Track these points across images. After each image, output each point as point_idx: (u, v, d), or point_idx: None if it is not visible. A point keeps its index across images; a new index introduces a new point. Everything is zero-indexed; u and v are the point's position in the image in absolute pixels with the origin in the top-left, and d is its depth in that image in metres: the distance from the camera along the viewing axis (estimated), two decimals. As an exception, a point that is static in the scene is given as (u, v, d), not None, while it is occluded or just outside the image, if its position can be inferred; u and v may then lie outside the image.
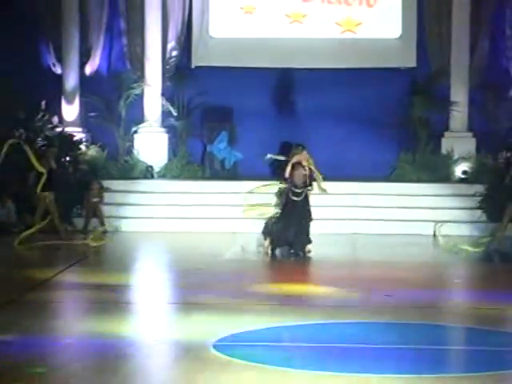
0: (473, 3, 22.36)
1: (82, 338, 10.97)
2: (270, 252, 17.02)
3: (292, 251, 17.02)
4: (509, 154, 18.70)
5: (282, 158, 18.22)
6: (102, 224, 19.55)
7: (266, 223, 17.48)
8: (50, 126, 21.83)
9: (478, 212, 19.90)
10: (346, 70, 22.71)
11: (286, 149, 18.71)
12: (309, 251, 16.88)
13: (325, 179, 17.62)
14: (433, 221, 19.52)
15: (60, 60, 22.80)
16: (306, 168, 17.06)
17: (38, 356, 10.07)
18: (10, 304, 12.87)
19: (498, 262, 17.30)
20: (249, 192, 18.72)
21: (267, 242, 17.13)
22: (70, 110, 22.74)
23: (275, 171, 19.37)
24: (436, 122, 22.53)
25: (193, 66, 23.29)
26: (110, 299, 13.30)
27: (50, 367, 9.67)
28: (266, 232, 17.31)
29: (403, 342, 10.76)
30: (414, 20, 22.91)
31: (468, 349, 11.21)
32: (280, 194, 17.71)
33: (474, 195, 20.17)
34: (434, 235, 18.83)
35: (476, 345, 11.11)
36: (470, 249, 17.40)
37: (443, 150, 22.28)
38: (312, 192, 17.18)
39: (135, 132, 22.64)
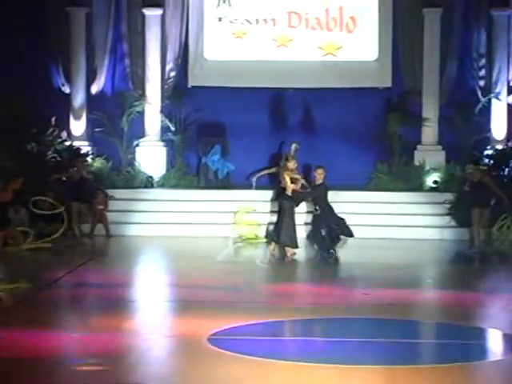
0: (442, 30, 22.42)
1: (90, 332, 11.00)
2: (275, 255, 16.96)
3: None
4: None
5: (266, 171, 18.21)
6: (107, 229, 19.54)
7: (267, 229, 17.38)
8: (59, 140, 21.79)
9: (448, 218, 19.95)
10: (328, 90, 22.70)
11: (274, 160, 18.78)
12: (294, 254, 16.89)
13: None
14: (409, 226, 19.62)
15: (68, 80, 22.82)
16: (299, 178, 17.06)
17: (52, 348, 10.12)
18: (26, 301, 12.92)
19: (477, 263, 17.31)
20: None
21: (272, 246, 17.10)
22: (78, 126, 22.75)
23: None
24: (409, 136, 22.52)
25: (189, 86, 23.29)
26: (114, 297, 13.36)
27: (62, 358, 9.73)
28: (270, 237, 17.20)
29: (380, 335, 10.77)
30: (390, 44, 22.95)
31: (438, 342, 11.26)
32: (276, 199, 17.60)
33: (443, 202, 20.23)
34: None
35: (446, 338, 11.15)
36: None
37: (416, 162, 22.29)
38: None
39: (137, 145, 22.64)
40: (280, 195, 17.38)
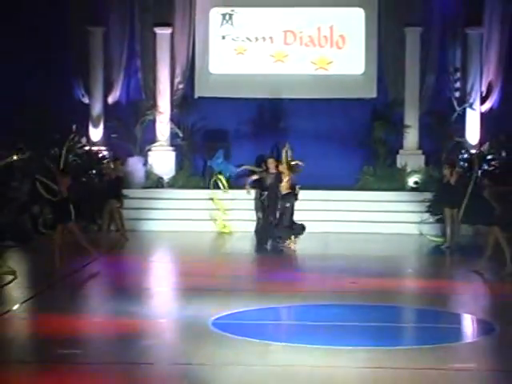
0: (422, 46, 22.42)
1: (107, 316, 11.06)
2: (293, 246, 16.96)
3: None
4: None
5: (257, 169, 18.16)
6: (122, 226, 19.40)
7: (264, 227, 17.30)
8: (79, 145, 21.79)
9: (427, 215, 19.96)
10: (320, 100, 22.69)
11: (260, 160, 18.72)
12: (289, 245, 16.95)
13: (301, 188, 17.63)
14: (393, 222, 19.63)
15: (88, 92, 22.83)
16: (285, 175, 17.04)
17: (75, 330, 10.18)
18: (50, 288, 12.97)
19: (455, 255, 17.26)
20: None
21: (289, 240, 17.04)
22: (96, 132, 22.76)
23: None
24: (392, 141, 22.50)
25: (195, 97, 23.27)
26: (129, 284, 13.39)
27: (80, 343, 9.79)
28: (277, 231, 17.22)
29: (366, 320, 10.84)
30: (375, 59, 22.93)
31: (419, 326, 11.33)
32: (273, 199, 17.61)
33: (423, 201, 20.21)
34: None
35: (425, 322, 11.21)
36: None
37: (398, 165, 22.26)
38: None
39: (149, 150, 22.63)
40: (282, 195, 17.26)
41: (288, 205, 17.04)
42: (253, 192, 18.23)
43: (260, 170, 17.98)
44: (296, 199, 17.21)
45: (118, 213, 19.18)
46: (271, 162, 17.31)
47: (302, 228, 17.18)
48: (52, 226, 18.98)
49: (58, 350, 9.17)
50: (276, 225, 17.02)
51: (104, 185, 19.37)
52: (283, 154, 17.27)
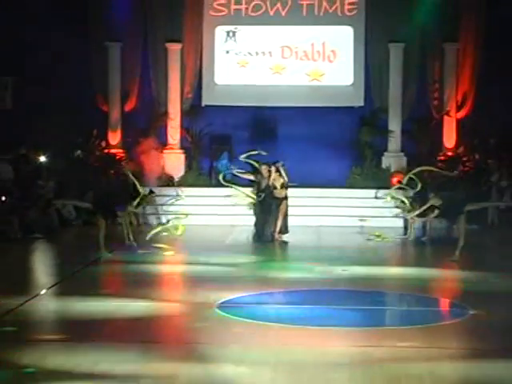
0: (404, 60, 22.45)
1: (125, 300, 11.08)
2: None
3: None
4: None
5: (250, 176, 18.02)
6: (138, 220, 19.16)
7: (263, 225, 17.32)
8: (99, 148, 21.88)
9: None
10: (313, 108, 22.72)
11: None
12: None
13: (297, 186, 17.63)
14: (378, 216, 19.59)
15: (107, 101, 22.84)
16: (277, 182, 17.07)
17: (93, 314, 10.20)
18: (73, 275, 12.99)
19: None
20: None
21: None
22: (114, 137, 22.75)
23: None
24: (378, 145, 22.52)
25: (203, 105, 23.26)
26: (142, 272, 13.39)
27: (100, 323, 9.81)
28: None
29: (355, 303, 10.90)
30: (362, 71, 22.93)
31: (402, 309, 11.35)
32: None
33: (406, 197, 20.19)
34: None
35: (407, 306, 11.26)
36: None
37: (383, 165, 22.30)
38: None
39: (161, 152, 22.66)
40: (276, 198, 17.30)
41: (282, 206, 17.08)
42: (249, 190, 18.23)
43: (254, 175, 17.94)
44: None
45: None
46: (264, 169, 17.30)
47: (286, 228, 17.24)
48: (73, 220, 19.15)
49: (81, 329, 9.23)
50: (270, 221, 17.05)
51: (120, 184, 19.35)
52: (274, 171, 17.16)
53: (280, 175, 17.09)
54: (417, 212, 15.75)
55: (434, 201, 14.76)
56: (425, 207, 15.15)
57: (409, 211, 17.18)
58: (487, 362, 8.07)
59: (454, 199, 14.59)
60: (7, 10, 21.18)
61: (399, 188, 18.53)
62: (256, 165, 17.83)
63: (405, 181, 17.82)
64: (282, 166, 17.31)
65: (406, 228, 18.27)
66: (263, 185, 17.19)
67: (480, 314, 10.24)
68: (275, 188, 17.02)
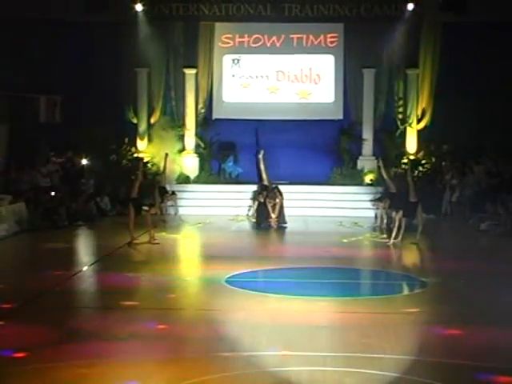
0: (375, 82, 22.31)
1: (150, 276, 11.08)
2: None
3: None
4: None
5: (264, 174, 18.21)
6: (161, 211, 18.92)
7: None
8: (130, 153, 21.83)
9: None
10: (302, 121, 22.54)
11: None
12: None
13: (288, 183, 17.69)
14: (354, 208, 19.49)
15: (136, 114, 22.75)
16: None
17: (126, 287, 10.16)
18: (109, 255, 12.94)
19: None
20: None
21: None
22: (142, 144, 22.71)
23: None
24: (354, 150, 22.37)
25: (213, 118, 23.13)
26: (164, 251, 13.38)
27: (131, 295, 9.78)
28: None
29: (336, 278, 10.88)
30: (341, 91, 22.85)
31: (374, 282, 11.38)
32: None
33: (376, 193, 20.14)
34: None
35: (378, 280, 11.27)
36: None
37: (358, 167, 22.16)
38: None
39: (179, 156, 22.62)
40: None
41: (277, 200, 17.16)
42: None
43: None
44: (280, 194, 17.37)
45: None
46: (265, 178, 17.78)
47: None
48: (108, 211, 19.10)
49: (114, 298, 9.22)
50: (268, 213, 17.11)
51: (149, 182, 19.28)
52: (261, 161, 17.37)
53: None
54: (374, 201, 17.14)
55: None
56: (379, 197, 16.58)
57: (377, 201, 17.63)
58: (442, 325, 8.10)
59: (408, 202, 14.53)
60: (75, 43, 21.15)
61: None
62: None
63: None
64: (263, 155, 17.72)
65: (376, 217, 18.23)
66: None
67: (436, 286, 10.25)
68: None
